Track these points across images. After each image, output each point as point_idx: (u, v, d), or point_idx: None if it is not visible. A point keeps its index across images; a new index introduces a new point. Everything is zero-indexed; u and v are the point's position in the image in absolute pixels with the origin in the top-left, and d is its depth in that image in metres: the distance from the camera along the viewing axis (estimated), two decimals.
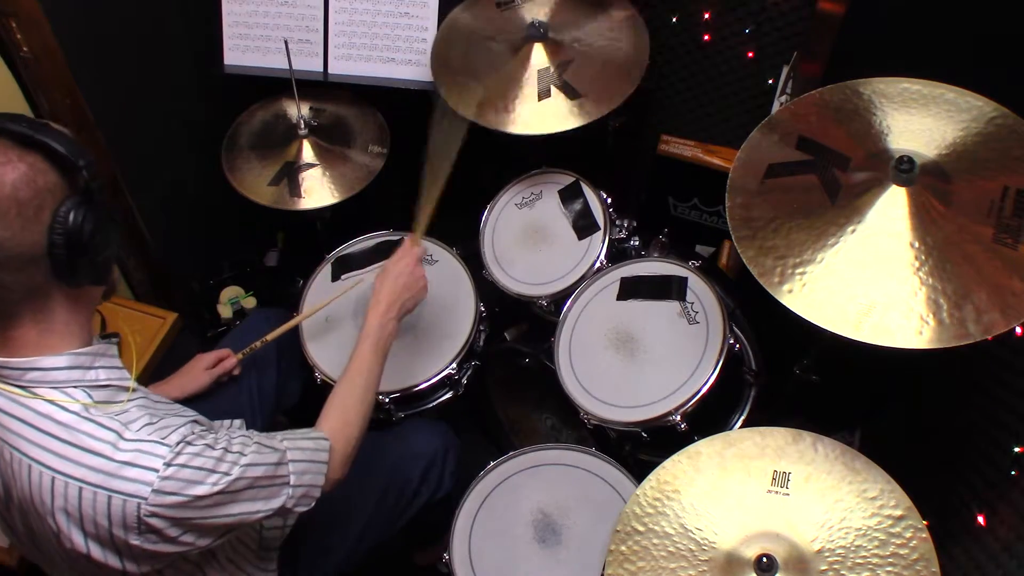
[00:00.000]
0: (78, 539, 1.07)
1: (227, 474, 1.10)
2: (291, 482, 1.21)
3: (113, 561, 1.09)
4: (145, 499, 1.04)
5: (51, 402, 1.06)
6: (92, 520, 1.05)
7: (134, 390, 1.12)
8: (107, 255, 1.09)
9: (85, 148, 1.03)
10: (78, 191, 1.03)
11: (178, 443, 1.06)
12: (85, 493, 1.04)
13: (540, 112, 1.81)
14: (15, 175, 0.98)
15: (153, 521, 1.05)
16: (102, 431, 1.05)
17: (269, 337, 1.72)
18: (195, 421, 1.13)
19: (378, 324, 1.47)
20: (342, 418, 1.37)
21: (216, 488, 1.09)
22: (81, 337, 1.11)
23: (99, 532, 1.06)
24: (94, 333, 1.15)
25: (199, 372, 1.64)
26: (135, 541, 1.07)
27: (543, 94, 1.82)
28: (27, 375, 1.06)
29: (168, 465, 1.05)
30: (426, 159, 1.59)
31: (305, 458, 1.24)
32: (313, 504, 1.27)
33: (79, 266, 1.04)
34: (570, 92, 1.81)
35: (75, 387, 1.07)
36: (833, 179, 1.36)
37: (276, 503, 1.19)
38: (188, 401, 1.57)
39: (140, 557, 1.10)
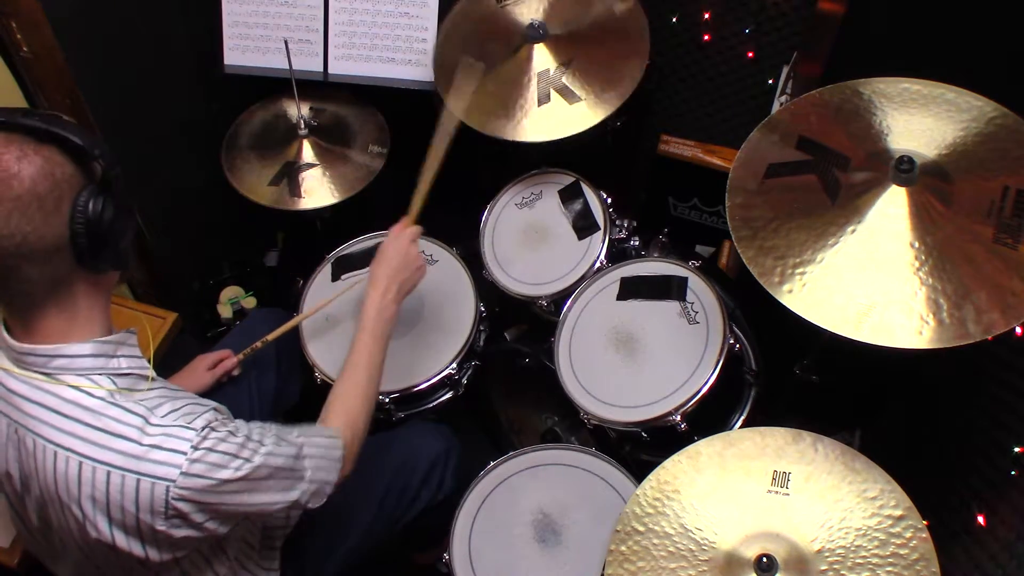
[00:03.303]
0: (103, 527, 1.08)
1: (249, 460, 1.11)
2: (307, 476, 1.22)
3: (136, 548, 1.10)
4: (174, 482, 1.04)
5: (76, 388, 1.07)
6: (119, 506, 1.06)
7: (154, 379, 1.13)
8: (127, 240, 1.10)
9: (99, 137, 1.04)
10: (95, 180, 1.05)
11: (203, 428, 1.07)
12: (113, 477, 1.05)
13: (541, 118, 1.81)
14: (32, 169, 0.98)
15: (180, 505, 1.06)
16: (129, 416, 1.06)
17: (269, 337, 1.72)
18: (215, 410, 1.14)
19: (376, 309, 1.45)
20: (347, 414, 1.36)
21: (240, 473, 1.09)
22: (103, 325, 1.12)
23: (125, 518, 1.07)
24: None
25: (200, 372, 1.65)
26: (161, 527, 1.07)
27: (543, 99, 1.82)
28: (53, 362, 1.07)
29: (196, 448, 1.06)
30: (430, 146, 1.59)
31: (320, 454, 1.25)
32: (324, 500, 1.27)
33: (101, 253, 1.05)
34: (569, 96, 1.81)
35: (100, 374, 1.08)
36: (833, 179, 1.36)
37: (293, 495, 1.20)
38: None
39: (163, 543, 1.10)
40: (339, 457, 1.28)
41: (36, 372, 1.07)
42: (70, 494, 1.07)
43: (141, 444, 1.05)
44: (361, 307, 1.46)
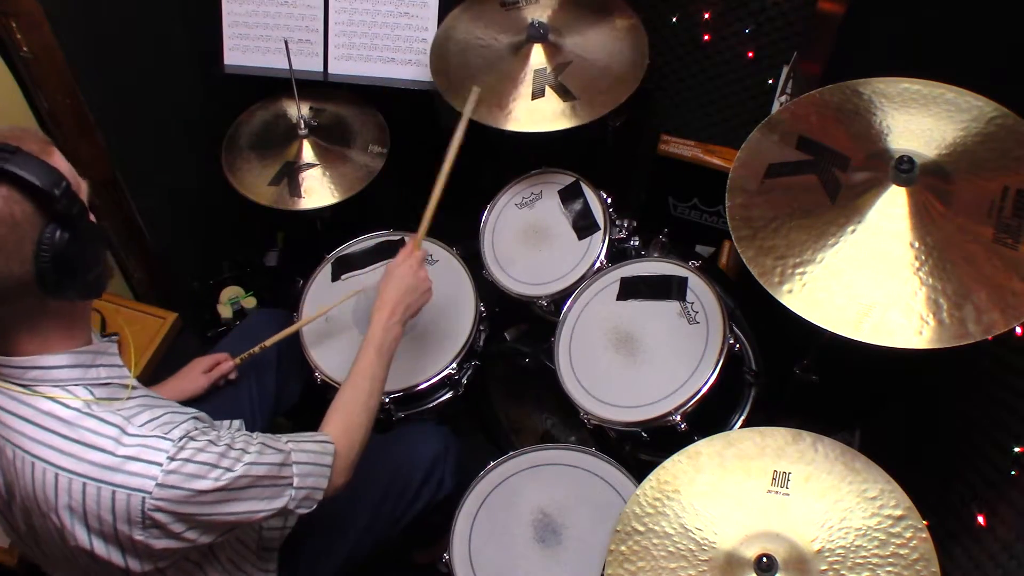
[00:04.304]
0: (82, 536, 1.07)
1: (230, 470, 1.10)
2: (294, 484, 1.21)
3: (116, 558, 1.10)
4: (149, 493, 1.04)
5: (53, 399, 1.06)
6: (96, 516, 1.06)
7: (134, 387, 1.13)
8: (96, 271, 1.08)
9: (57, 172, 0.99)
10: (57, 216, 1.00)
11: (181, 438, 1.07)
12: (89, 489, 1.04)
13: (533, 111, 1.81)
14: None
15: (157, 516, 1.06)
16: (105, 427, 1.06)
17: (268, 343, 1.71)
18: (196, 418, 1.14)
19: (382, 328, 1.46)
20: (346, 423, 1.36)
21: (219, 484, 1.09)
22: (81, 337, 1.11)
23: (103, 528, 1.06)
24: (94, 331, 1.15)
25: (196, 375, 1.64)
26: (139, 536, 1.07)
27: (537, 93, 1.82)
28: (29, 373, 1.06)
29: (172, 459, 1.05)
30: (439, 160, 1.58)
31: (309, 460, 1.24)
32: (315, 507, 1.27)
33: (70, 287, 1.03)
34: (564, 94, 1.81)
35: (77, 384, 1.08)
36: (833, 179, 1.36)
37: (278, 503, 1.19)
38: (186, 404, 1.57)
39: (143, 553, 1.10)
40: (329, 464, 1.28)
41: (14, 384, 1.07)
42: (48, 504, 1.07)
43: (116, 455, 1.04)
44: (369, 322, 1.48)
